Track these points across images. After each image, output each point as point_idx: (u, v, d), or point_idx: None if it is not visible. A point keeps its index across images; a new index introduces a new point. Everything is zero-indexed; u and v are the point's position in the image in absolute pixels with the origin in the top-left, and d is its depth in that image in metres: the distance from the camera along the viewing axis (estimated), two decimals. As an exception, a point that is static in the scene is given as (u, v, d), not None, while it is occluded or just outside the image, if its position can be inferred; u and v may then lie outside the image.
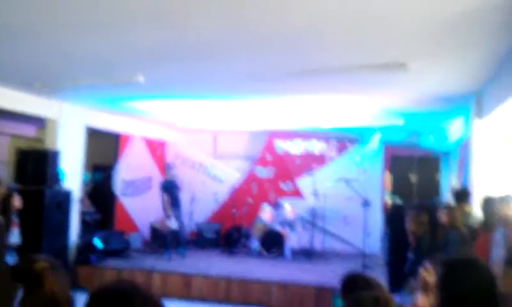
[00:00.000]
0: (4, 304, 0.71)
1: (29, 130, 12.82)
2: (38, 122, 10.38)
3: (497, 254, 4.98)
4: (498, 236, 5.13)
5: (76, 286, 8.27)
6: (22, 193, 7.45)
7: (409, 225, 6.26)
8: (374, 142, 11.44)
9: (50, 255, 7.26)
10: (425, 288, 3.92)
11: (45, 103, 8.77)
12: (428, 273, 3.91)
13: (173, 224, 10.06)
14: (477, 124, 6.86)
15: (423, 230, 6.17)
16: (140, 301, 1.24)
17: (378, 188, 11.28)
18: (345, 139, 11.91)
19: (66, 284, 1.71)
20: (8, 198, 7.17)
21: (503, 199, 5.27)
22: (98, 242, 9.26)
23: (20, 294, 1.05)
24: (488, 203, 5.62)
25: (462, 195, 6.45)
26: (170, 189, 10.19)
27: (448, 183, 9.69)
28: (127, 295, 1.24)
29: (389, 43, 4.85)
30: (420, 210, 6.31)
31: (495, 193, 5.96)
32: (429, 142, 11.05)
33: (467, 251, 5.57)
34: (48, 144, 9.05)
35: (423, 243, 6.04)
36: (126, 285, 1.28)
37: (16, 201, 7.18)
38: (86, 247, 9.16)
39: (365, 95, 7.59)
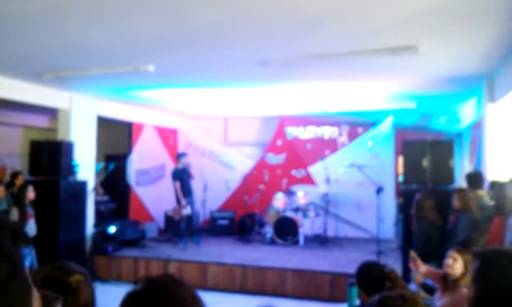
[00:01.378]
0: None
1: (41, 121, 12.94)
2: (50, 113, 10.47)
3: (511, 239, 4.97)
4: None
5: (93, 276, 8.40)
6: (36, 184, 7.55)
7: (412, 209, 6.30)
8: (386, 126, 11.38)
9: (67, 246, 7.37)
10: (448, 276, 3.87)
11: (56, 94, 8.83)
12: (454, 261, 3.89)
13: (187, 211, 10.13)
14: (490, 107, 6.80)
15: (424, 215, 6.19)
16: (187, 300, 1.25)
17: (391, 173, 11.24)
18: (357, 124, 11.85)
19: (94, 294, 1.74)
20: (21, 190, 7.27)
21: None
22: (112, 229, 9.37)
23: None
24: (499, 188, 5.59)
25: (475, 179, 6.42)
26: (182, 177, 10.25)
27: (462, 167, 9.64)
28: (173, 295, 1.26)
29: (399, 26, 4.82)
30: (423, 195, 6.33)
31: (506, 177, 5.93)
32: (441, 124, 10.97)
33: (479, 235, 5.57)
34: (61, 135, 9.13)
35: (423, 227, 6.06)
36: (156, 288, 1.30)
37: (31, 193, 7.27)
38: (102, 237, 9.26)
39: (377, 79, 7.55)
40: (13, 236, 0.81)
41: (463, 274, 3.79)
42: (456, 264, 3.84)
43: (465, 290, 3.72)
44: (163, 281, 1.33)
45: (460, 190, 6.16)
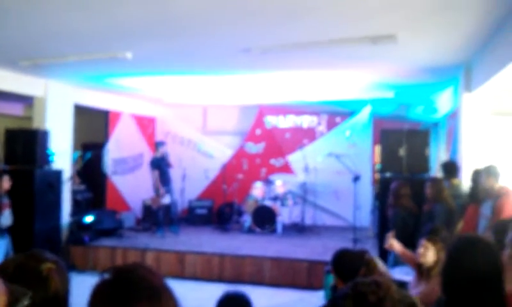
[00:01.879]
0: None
1: (16, 109, 12.68)
2: (26, 100, 10.28)
3: (484, 227, 5.06)
4: (485, 208, 5.20)
5: (69, 266, 8.31)
6: (11, 174, 7.42)
7: (389, 197, 6.38)
8: (364, 115, 11.47)
9: (43, 235, 7.27)
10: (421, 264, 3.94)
11: (32, 81, 8.67)
12: (426, 249, 3.96)
13: (166, 200, 10.08)
14: (466, 97, 6.89)
15: (401, 202, 6.27)
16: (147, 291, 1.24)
17: (368, 162, 11.36)
18: (336, 114, 11.91)
19: (68, 282, 1.71)
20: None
21: (488, 171, 5.30)
22: (88, 219, 9.29)
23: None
24: (473, 175, 5.68)
25: (450, 168, 6.52)
26: (160, 166, 10.18)
27: (438, 156, 9.77)
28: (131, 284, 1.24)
29: (379, 15, 4.83)
30: (400, 183, 6.41)
31: (482, 166, 6.02)
32: (418, 114, 11.10)
33: (453, 224, 5.67)
34: (37, 123, 8.98)
35: (400, 215, 6.14)
36: (125, 277, 1.28)
37: (6, 183, 7.14)
38: (78, 226, 9.16)
39: (356, 68, 7.59)
40: None
41: (436, 263, 3.85)
42: (427, 252, 3.90)
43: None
44: (132, 268, 1.32)
45: (433, 180, 6.24)
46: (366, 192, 10.80)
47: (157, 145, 10.66)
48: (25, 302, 0.82)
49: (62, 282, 1.63)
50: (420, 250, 3.94)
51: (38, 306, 0.79)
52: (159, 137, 12.60)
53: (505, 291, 1.78)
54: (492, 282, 1.68)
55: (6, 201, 7.11)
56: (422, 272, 3.96)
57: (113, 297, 1.23)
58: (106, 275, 1.28)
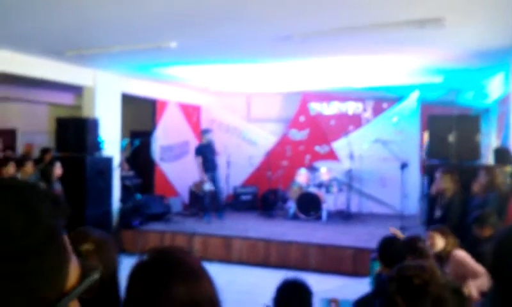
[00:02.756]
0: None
1: (67, 99, 13.13)
2: (76, 90, 10.61)
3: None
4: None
5: (121, 249, 8.58)
6: (63, 161, 7.70)
7: (438, 183, 6.24)
8: (411, 101, 11.21)
9: (94, 221, 7.54)
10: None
11: (80, 71, 8.93)
12: (433, 239, 4.04)
13: (207, 187, 10.21)
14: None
15: (452, 189, 6.13)
16: (181, 275, 1.26)
17: (416, 148, 11.11)
18: (382, 99, 11.70)
19: (113, 261, 1.76)
20: (49, 166, 7.43)
21: None
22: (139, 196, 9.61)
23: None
24: None
25: (503, 155, 6.31)
26: (204, 153, 10.32)
27: (489, 142, 9.46)
28: (166, 268, 1.27)
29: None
30: (448, 168, 6.26)
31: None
32: (468, 100, 10.76)
33: (504, 211, 5.49)
34: (86, 112, 9.26)
35: (453, 203, 6.00)
36: (163, 258, 1.31)
37: (58, 169, 7.43)
38: (128, 210, 9.44)
39: (402, 53, 7.42)
40: (54, 206, 0.82)
41: (446, 245, 3.96)
42: (436, 241, 3.97)
43: (456, 252, 4.03)
44: (169, 250, 1.35)
45: (487, 167, 6.07)
46: (414, 179, 10.58)
47: (202, 132, 10.81)
48: (96, 276, 0.87)
49: (104, 262, 1.67)
50: (429, 242, 3.98)
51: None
52: (204, 125, 12.75)
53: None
54: None
55: (58, 187, 7.39)
56: (441, 259, 3.97)
57: (151, 278, 1.25)
58: (144, 257, 1.31)
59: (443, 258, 4.06)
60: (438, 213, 6.29)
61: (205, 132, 10.72)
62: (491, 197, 5.60)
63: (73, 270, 0.83)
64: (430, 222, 6.36)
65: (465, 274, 3.87)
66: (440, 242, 4.03)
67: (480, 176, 5.83)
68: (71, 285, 0.82)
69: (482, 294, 3.69)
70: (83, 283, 0.83)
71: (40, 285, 0.76)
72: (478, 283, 3.73)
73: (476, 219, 4.79)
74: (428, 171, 7.60)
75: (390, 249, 3.59)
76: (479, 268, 3.91)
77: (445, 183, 6.25)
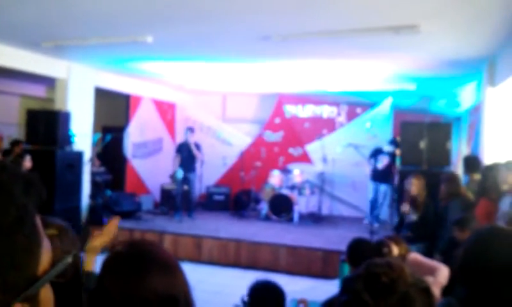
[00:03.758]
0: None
1: (38, 91, 12.87)
2: (48, 82, 10.41)
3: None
4: (505, 204, 5.10)
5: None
6: (33, 153, 7.54)
7: (411, 188, 6.34)
8: (385, 107, 11.36)
9: (63, 215, 7.39)
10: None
11: (54, 63, 8.76)
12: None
13: (179, 174, 10.10)
14: (489, 91, 6.77)
15: (424, 194, 6.25)
16: (155, 266, 1.24)
17: (388, 153, 11.24)
18: (356, 104, 11.82)
19: (75, 247, 1.72)
20: (18, 158, 7.27)
21: (508, 166, 5.19)
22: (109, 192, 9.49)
23: None
24: (491, 170, 5.55)
25: (472, 163, 6.41)
26: (180, 151, 10.27)
27: (459, 150, 9.65)
28: (142, 260, 1.25)
29: (402, 5, 4.78)
30: (418, 174, 6.38)
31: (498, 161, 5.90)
32: (440, 107, 10.95)
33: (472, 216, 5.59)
34: (58, 105, 9.09)
35: (428, 207, 6.10)
36: (139, 249, 1.28)
37: (27, 162, 7.27)
38: (98, 207, 9.30)
39: (377, 58, 7.51)
40: (26, 185, 0.79)
41: (400, 251, 4.04)
42: (392, 249, 4.05)
43: (410, 255, 4.14)
44: (144, 242, 1.33)
45: (448, 174, 6.19)
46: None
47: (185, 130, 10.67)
48: (69, 259, 0.84)
49: (66, 247, 1.64)
50: (386, 249, 4.06)
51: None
52: (178, 123, 12.69)
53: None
54: None
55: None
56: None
57: (127, 269, 1.23)
58: (118, 248, 1.28)
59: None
60: (411, 217, 6.37)
61: (186, 130, 10.55)
62: (452, 204, 5.70)
63: (46, 254, 0.80)
64: (402, 226, 6.43)
65: (422, 272, 3.92)
66: (395, 249, 4.11)
67: (442, 183, 5.94)
68: (43, 269, 0.79)
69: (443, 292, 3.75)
70: (56, 267, 0.80)
71: (9, 268, 0.73)
72: (438, 280, 3.79)
73: (457, 222, 4.86)
74: (400, 177, 7.70)
75: (359, 251, 3.62)
76: (433, 263, 4.02)
77: (416, 188, 6.35)
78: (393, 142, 9.92)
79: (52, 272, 0.80)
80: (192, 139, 10.34)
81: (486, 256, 1.65)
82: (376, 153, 10.05)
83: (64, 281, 0.82)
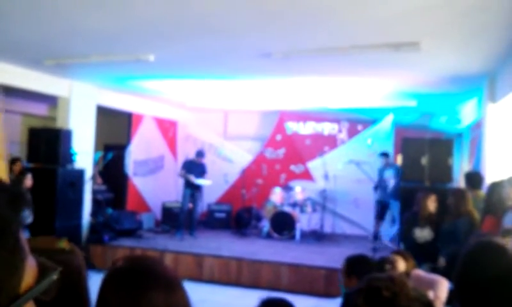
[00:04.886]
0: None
1: (40, 109, 12.89)
2: (50, 101, 10.43)
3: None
4: (509, 220, 5.07)
5: (89, 264, 8.38)
6: (34, 172, 7.54)
7: (430, 205, 6.22)
8: (386, 123, 11.36)
9: (63, 233, 7.36)
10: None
11: (56, 81, 8.80)
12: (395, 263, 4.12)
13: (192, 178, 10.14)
14: (490, 107, 6.77)
15: (438, 212, 6.17)
16: (155, 282, 1.22)
17: (389, 170, 11.21)
18: (357, 121, 11.83)
19: (83, 268, 1.70)
20: (19, 177, 7.26)
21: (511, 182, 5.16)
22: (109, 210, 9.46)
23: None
24: (496, 187, 5.52)
25: (474, 179, 6.37)
26: (187, 169, 10.26)
27: (460, 167, 9.62)
28: (142, 276, 1.23)
29: (402, 22, 4.80)
30: (431, 192, 6.30)
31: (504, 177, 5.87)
32: (441, 124, 10.95)
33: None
34: (60, 123, 9.10)
35: (443, 225, 5.99)
36: (141, 265, 1.27)
37: (28, 180, 7.26)
38: (99, 225, 9.26)
39: (378, 76, 7.53)
40: (13, 199, 0.77)
41: (407, 267, 4.03)
42: (398, 264, 4.02)
43: (414, 271, 4.13)
44: (147, 258, 1.31)
45: (457, 190, 6.11)
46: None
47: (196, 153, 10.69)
48: (54, 276, 0.81)
49: (79, 262, 1.61)
50: (390, 265, 4.02)
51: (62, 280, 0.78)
52: (180, 140, 12.71)
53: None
54: (507, 285, 1.64)
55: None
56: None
57: (128, 284, 1.21)
58: (119, 263, 1.27)
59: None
60: (424, 233, 6.22)
61: (197, 153, 10.59)
62: (460, 223, 5.63)
63: (30, 270, 0.77)
64: (412, 243, 6.27)
65: (423, 287, 3.88)
66: (401, 265, 4.08)
67: (451, 199, 5.87)
68: (27, 286, 0.76)
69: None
70: (40, 284, 0.78)
71: None
72: (437, 294, 3.75)
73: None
74: (402, 194, 7.67)
75: (354, 270, 3.59)
76: (432, 276, 4.00)
77: (435, 206, 6.28)
78: (383, 154, 9.93)
79: (35, 289, 0.77)
80: (200, 161, 10.39)
81: (475, 270, 1.63)
82: (380, 182, 9.92)
83: (49, 299, 0.79)
